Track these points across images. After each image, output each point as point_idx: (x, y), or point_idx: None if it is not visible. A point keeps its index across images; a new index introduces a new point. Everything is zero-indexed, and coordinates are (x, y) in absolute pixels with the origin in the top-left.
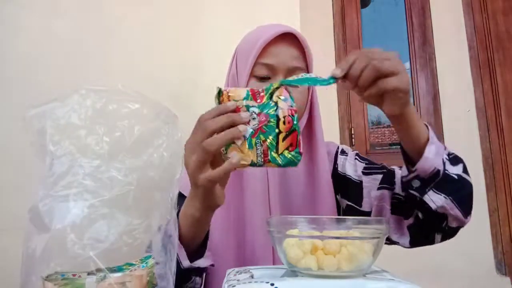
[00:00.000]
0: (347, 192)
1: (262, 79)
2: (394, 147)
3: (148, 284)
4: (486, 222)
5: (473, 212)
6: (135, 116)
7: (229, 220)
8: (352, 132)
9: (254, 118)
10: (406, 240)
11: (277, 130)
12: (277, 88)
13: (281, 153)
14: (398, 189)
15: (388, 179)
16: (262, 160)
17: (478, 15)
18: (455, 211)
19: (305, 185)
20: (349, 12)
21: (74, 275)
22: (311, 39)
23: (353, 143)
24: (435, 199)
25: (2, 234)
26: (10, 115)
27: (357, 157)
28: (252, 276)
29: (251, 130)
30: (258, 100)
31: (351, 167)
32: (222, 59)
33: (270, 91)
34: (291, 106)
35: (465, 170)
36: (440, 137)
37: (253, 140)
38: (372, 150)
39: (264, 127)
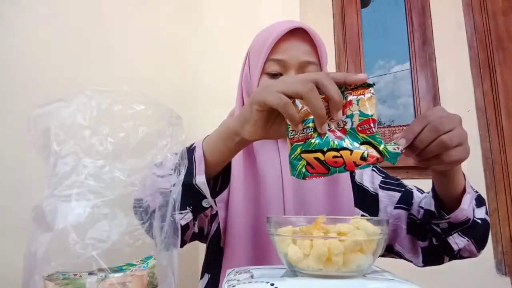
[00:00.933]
0: (363, 203)
1: (274, 75)
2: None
3: (149, 284)
4: None
5: None
6: (140, 117)
7: (247, 215)
8: None
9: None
10: (419, 260)
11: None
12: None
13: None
14: (414, 210)
15: (406, 200)
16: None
17: (478, 15)
18: (471, 248)
19: (324, 194)
20: (349, 12)
21: (75, 274)
22: None
23: None
24: (458, 242)
25: (4, 234)
26: (10, 115)
27: (374, 168)
28: (252, 276)
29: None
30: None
31: (368, 178)
32: (222, 59)
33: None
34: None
35: (486, 210)
36: None
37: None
38: None
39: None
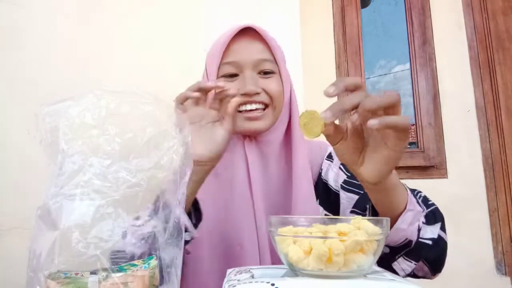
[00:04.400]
0: (326, 201)
1: (231, 76)
2: None
3: (150, 284)
4: (486, 222)
5: (473, 212)
6: (148, 118)
7: (214, 218)
8: None
9: None
10: None
11: None
12: None
13: None
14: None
15: (361, 204)
16: None
17: (478, 15)
18: (425, 269)
19: (283, 169)
20: (349, 12)
21: (77, 274)
22: (311, 39)
23: None
24: (404, 267)
25: (5, 233)
26: (10, 115)
27: (341, 166)
28: (252, 276)
29: None
30: None
31: (333, 176)
32: None
33: None
34: None
35: (442, 227)
36: (440, 136)
37: None
38: None
39: None
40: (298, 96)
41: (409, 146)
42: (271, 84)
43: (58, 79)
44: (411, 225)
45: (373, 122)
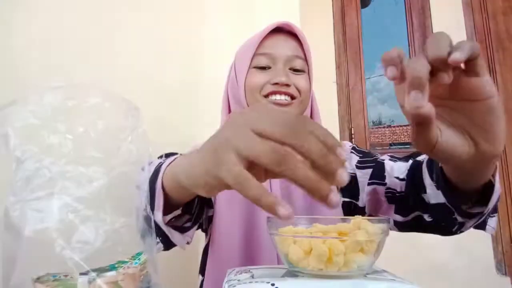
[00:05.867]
0: (342, 188)
1: (262, 68)
2: (394, 147)
3: (140, 280)
4: None
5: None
6: (97, 111)
7: (235, 216)
8: (352, 132)
9: None
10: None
11: None
12: None
13: None
14: (391, 183)
15: (378, 174)
16: None
17: (478, 15)
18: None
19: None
20: (349, 12)
21: (66, 275)
22: (311, 39)
23: (353, 143)
24: (493, 225)
25: None
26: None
27: (353, 150)
28: (252, 276)
29: None
30: None
31: (347, 161)
32: (223, 61)
33: None
34: None
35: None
36: None
37: None
38: (372, 150)
39: None
40: None
41: (409, 146)
42: (301, 80)
43: (58, 80)
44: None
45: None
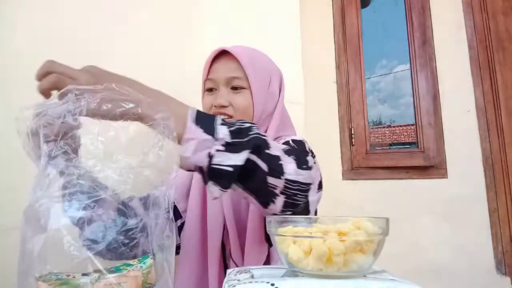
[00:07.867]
0: None
1: (210, 90)
2: (395, 147)
3: (144, 284)
4: (486, 222)
5: (473, 212)
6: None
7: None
8: (352, 132)
9: None
10: None
11: None
12: None
13: None
14: None
15: None
16: None
17: (478, 15)
18: (252, 200)
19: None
20: (349, 12)
21: (68, 275)
22: (311, 39)
23: (353, 143)
24: (212, 190)
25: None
26: (10, 115)
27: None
28: (252, 276)
29: None
30: None
31: None
32: None
33: None
34: None
35: (259, 153)
36: (440, 136)
37: None
38: (372, 150)
39: None
40: (298, 96)
41: (409, 146)
42: (237, 98)
43: None
44: (197, 152)
45: None
